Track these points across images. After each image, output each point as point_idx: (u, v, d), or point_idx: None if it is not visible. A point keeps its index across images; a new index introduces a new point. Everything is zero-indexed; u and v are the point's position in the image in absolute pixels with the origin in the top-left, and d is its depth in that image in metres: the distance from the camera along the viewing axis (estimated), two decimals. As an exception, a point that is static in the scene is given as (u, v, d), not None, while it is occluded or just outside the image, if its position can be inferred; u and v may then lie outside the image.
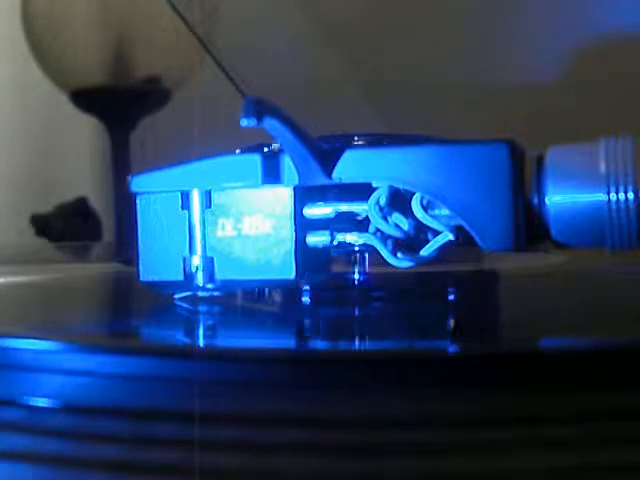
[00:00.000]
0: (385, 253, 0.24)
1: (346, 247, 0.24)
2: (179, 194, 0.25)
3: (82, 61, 0.68)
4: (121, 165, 0.68)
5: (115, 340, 0.23)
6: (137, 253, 0.25)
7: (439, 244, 0.23)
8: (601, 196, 0.22)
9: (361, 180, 0.24)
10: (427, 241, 0.24)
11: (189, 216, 0.25)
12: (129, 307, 0.30)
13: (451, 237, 0.23)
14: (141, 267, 0.25)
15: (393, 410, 0.17)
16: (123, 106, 0.69)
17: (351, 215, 0.24)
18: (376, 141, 0.24)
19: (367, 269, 0.28)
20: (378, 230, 0.24)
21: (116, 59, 0.67)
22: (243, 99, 0.22)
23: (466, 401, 0.17)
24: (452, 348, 0.20)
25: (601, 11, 0.73)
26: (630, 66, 0.71)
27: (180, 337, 0.23)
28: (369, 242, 0.24)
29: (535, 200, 0.23)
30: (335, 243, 0.24)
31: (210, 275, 0.24)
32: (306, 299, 0.26)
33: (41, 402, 0.18)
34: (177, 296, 0.26)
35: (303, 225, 0.24)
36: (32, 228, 0.68)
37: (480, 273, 0.35)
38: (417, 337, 0.22)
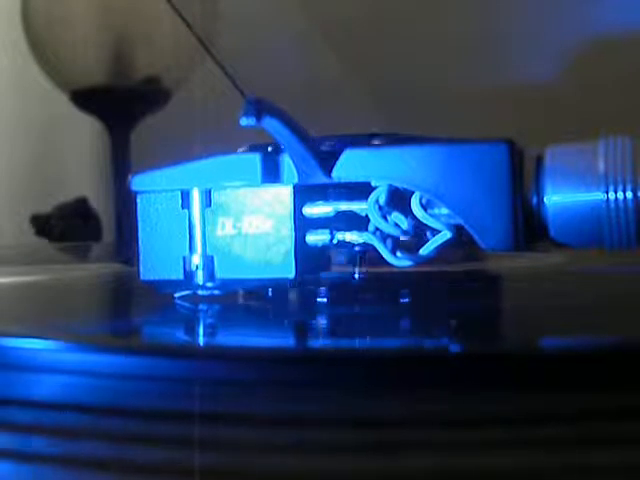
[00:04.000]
0: (384, 252, 0.24)
1: (346, 246, 0.24)
2: (179, 193, 0.25)
3: (82, 61, 0.68)
4: (121, 165, 0.68)
5: (115, 339, 0.23)
6: (137, 252, 0.25)
7: (438, 243, 0.23)
8: (600, 195, 0.22)
9: (360, 179, 0.24)
10: (427, 240, 0.24)
11: (189, 215, 0.25)
12: (129, 306, 0.30)
13: (450, 236, 0.23)
14: (141, 266, 0.25)
15: (393, 410, 0.17)
16: (123, 106, 0.69)
17: (351, 214, 0.24)
18: (377, 140, 0.24)
19: (367, 269, 0.28)
20: (377, 229, 0.24)
21: (116, 59, 0.67)
22: (243, 99, 0.22)
23: (466, 401, 0.17)
24: (453, 348, 0.20)
25: (601, 10, 0.73)
26: (630, 65, 0.71)
27: (180, 336, 0.23)
28: (369, 241, 0.24)
29: (534, 199, 0.23)
30: (335, 242, 0.24)
31: (210, 274, 0.24)
32: (306, 298, 0.26)
33: (41, 402, 0.18)
34: (177, 295, 0.26)
35: (303, 224, 0.24)
36: (32, 228, 0.68)
37: (479, 273, 0.35)
38: (417, 337, 0.22)
